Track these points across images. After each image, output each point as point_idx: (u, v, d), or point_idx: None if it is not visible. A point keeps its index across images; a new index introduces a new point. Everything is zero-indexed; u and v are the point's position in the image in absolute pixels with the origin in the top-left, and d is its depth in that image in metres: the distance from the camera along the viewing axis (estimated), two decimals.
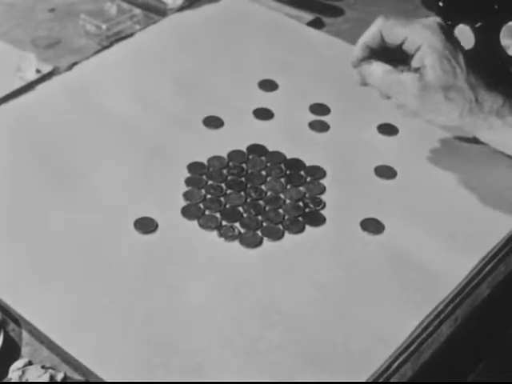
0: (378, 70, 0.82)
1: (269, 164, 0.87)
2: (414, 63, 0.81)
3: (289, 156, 0.88)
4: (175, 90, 0.97)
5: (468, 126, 0.83)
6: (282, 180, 0.85)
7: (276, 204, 0.83)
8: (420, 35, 0.80)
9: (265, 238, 0.79)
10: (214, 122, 0.93)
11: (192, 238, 0.79)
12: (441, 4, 1.07)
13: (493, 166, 0.87)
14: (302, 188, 0.85)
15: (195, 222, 0.81)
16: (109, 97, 0.96)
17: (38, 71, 0.99)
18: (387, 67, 0.82)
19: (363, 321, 0.72)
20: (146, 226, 0.80)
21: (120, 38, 1.06)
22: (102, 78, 0.99)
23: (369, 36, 0.83)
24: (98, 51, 1.04)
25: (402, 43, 0.81)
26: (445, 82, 0.79)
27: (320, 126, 0.93)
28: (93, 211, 0.82)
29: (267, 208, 0.82)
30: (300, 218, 0.81)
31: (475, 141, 0.89)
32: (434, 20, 0.82)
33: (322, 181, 0.85)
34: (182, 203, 0.82)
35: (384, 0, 1.17)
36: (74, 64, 1.01)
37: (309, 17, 1.12)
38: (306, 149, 0.89)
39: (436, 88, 0.80)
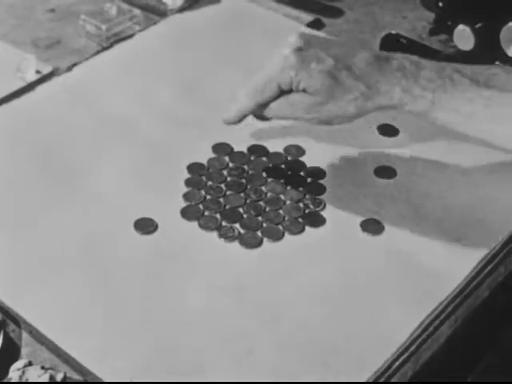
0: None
1: (269, 165, 0.87)
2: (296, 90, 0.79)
3: (289, 157, 0.88)
4: (175, 90, 0.98)
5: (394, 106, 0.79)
6: (282, 181, 0.85)
7: (276, 205, 0.83)
8: (283, 70, 0.78)
9: (265, 239, 0.79)
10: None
11: (192, 239, 0.79)
12: (440, 4, 1.07)
13: (492, 166, 0.87)
14: (302, 189, 0.85)
15: (195, 223, 0.81)
16: (109, 97, 0.96)
17: (38, 72, 0.99)
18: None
19: (364, 321, 0.72)
20: (145, 226, 0.80)
21: (120, 38, 1.06)
22: (101, 78, 0.99)
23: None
24: (97, 52, 1.04)
25: (282, 88, 0.79)
26: (328, 92, 0.77)
27: None
28: (93, 211, 0.82)
29: (267, 209, 0.82)
30: (300, 219, 0.81)
31: (474, 141, 0.89)
32: (292, 41, 0.80)
33: (321, 181, 0.86)
34: (182, 204, 0.82)
35: (384, 0, 1.17)
36: (74, 65, 1.01)
37: (309, 17, 1.12)
38: (306, 149, 0.89)
39: (323, 99, 0.77)
